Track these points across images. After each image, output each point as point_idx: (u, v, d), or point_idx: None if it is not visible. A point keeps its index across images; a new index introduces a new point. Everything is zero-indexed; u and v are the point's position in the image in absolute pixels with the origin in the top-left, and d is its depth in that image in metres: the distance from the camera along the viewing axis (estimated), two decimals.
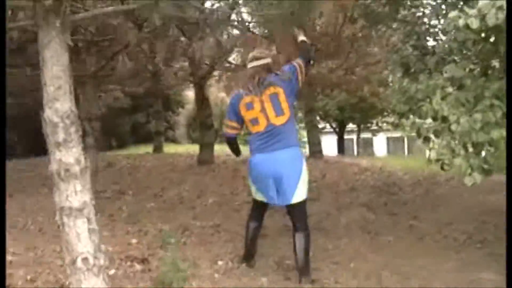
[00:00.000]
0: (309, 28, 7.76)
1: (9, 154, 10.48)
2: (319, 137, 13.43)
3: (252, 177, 4.28)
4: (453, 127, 3.78)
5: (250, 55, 4.36)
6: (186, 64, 10.84)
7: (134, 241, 5.17)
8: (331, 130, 24.14)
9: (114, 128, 19.15)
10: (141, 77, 10.98)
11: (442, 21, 5.69)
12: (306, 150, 13.05)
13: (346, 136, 24.64)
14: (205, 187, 8.51)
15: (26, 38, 6.13)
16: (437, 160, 4.13)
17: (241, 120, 4.26)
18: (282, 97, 4.10)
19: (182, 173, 10.09)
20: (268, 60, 4.24)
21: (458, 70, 4.28)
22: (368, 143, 29.25)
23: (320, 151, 12.70)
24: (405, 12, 6.08)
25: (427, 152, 4.56)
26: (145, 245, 5.02)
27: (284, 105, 4.10)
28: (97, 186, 6.74)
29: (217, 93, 21.50)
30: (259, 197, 4.29)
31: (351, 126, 24.40)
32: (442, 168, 4.14)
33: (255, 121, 4.14)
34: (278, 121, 4.08)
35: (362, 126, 24.17)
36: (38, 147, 6.69)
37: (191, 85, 12.43)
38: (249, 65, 4.25)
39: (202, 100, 10.79)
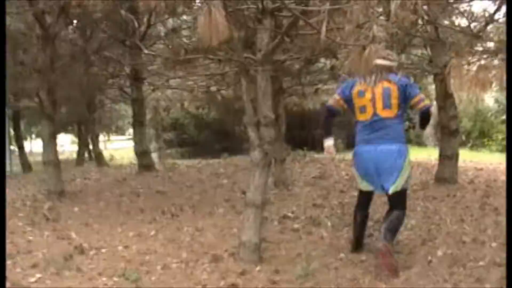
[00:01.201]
0: None
1: None
2: None
3: (357, 166, 4.48)
4: None
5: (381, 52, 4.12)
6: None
7: None
8: None
9: (349, 124, 16.86)
10: None
11: None
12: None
13: None
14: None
15: None
16: None
17: (348, 102, 4.43)
18: (394, 93, 4.24)
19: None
20: (393, 64, 4.44)
21: None
22: None
23: None
24: None
25: None
26: None
27: (394, 101, 4.24)
28: None
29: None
30: (364, 186, 4.53)
31: None
32: None
33: (363, 109, 4.32)
34: (385, 113, 4.24)
35: None
36: None
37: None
38: (377, 61, 4.06)
39: (444, 96, 7.70)
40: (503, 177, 8.68)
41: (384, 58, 4.25)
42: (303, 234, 5.43)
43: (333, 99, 4.54)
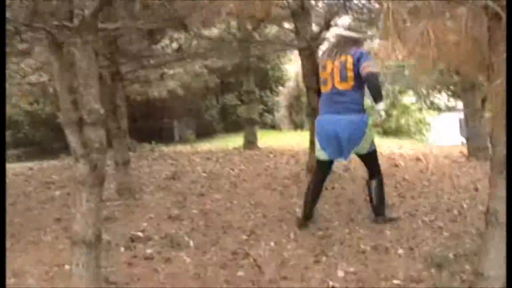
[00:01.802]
0: None
1: None
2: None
3: (318, 135, 4.69)
4: None
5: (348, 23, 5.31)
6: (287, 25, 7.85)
7: None
8: None
9: (198, 112, 15.64)
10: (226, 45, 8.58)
11: None
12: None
13: None
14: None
15: None
16: None
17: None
18: (350, 66, 4.43)
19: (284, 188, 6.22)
20: (360, 36, 4.81)
21: None
22: None
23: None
24: None
25: None
26: None
27: (350, 73, 4.44)
28: None
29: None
30: (322, 155, 4.68)
31: None
32: None
33: (324, 82, 4.64)
34: (342, 85, 4.49)
35: None
36: None
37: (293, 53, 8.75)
38: (342, 33, 4.82)
39: (313, 73, 6.72)
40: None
41: (351, 29, 4.84)
42: (160, 263, 4.08)
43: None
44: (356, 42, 4.62)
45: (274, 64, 17.42)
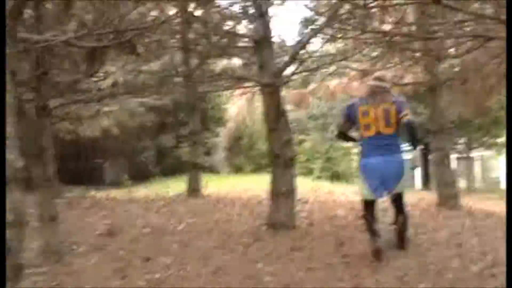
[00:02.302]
0: None
1: None
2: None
3: (365, 175, 4.99)
4: None
5: (375, 74, 5.40)
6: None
7: None
8: None
9: (132, 153, 14.42)
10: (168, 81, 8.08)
11: None
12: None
13: None
14: None
15: None
16: None
17: (352, 124, 5.11)
18: (393, 112, 4.86)
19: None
20: (388, 84, 5.12)
21: None
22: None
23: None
24: None
25: None
26: None
27: (393, 120, 4.86)
28: None
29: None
30: (368, 195, 5.00)
31: None
32: None
33: (367, 126, 4.92)
34: (387, 130, 4.87)
35: None
36: None
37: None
38: (372, 82, 5.10)
39: (277, 113, 5.85)
40: (343, 211, 7.26)
41: (380, 79, 5.08)
42: None
43: (339, 125, 5.47)
44: (385, 89, 5.01)
45: (215, 103, 16.55)
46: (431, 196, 8.96)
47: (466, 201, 8.22)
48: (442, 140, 7.74)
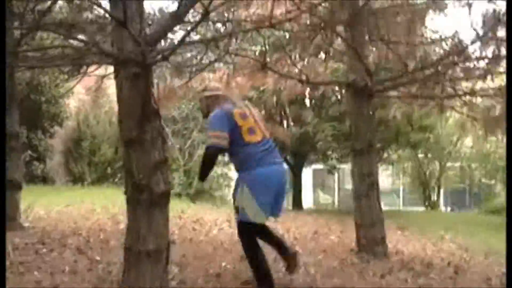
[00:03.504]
0: None
1: None
2: None
3: (259, 192, 3.97)
4: None
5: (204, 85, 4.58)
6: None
7: None
8: None
9: None
10: None
11: None
12: None
13: None
14: None
15: None
16: None
17: (231, 133, 4.02)
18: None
19: None
20: (220, 92, 4.38)
21: None
22: None
23: None
24: None
25: None
26: None
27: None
28: None
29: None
30: (260, 218, 4.03)
31: None
32: None
33: (252, 131, 4.10)
34: (267, 134, 4.19)
35: None
36: None
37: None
38: (205, 93, 4.35)
39: (142, 113, 3.30)
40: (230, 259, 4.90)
41: (209, 89, 4.38)
42: None
43: (218, 138, 3.98)
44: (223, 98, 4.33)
45: (50, 96, 13.21)
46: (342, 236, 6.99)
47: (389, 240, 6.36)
48: (368, 163, 5.79)
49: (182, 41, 3.14)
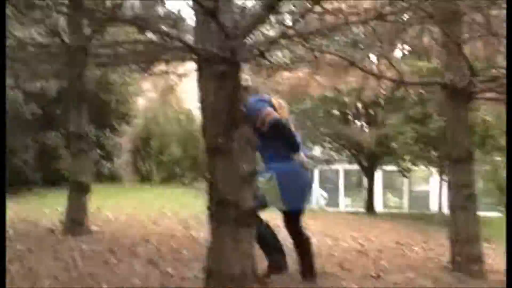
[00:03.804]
0: None
1: None
2: None
3: (292, 186, 3.80)
4: None
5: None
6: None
7: None
8: None
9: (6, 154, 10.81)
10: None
11: None
12: None
13: None
14: None
15: None
16: None
17: None
18: None
19: None
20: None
21: None
22: None
23: None
24: None
25: None
26: None
27: None
28: None
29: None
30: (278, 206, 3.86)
31: None
32: None
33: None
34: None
35: None
36: None
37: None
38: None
39: (230, 117, 2.87)
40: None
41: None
42: None
43: (270, 113, 3.72)
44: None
45: (120, 95, 13.13)
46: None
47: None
48: (466, 173, 5.21)
49: (284, 34, 2.69)
